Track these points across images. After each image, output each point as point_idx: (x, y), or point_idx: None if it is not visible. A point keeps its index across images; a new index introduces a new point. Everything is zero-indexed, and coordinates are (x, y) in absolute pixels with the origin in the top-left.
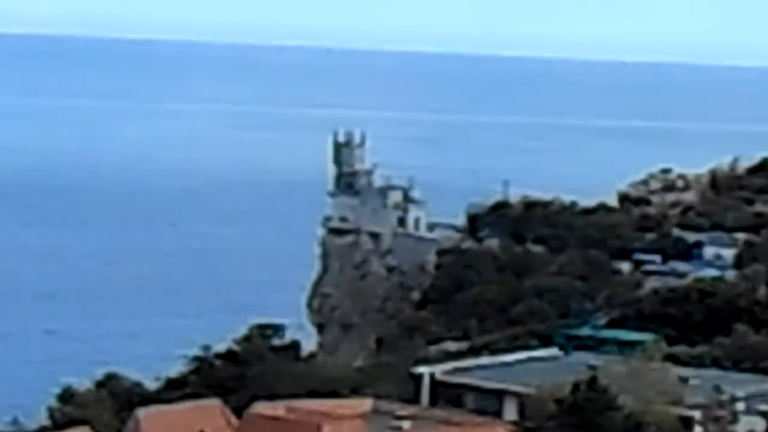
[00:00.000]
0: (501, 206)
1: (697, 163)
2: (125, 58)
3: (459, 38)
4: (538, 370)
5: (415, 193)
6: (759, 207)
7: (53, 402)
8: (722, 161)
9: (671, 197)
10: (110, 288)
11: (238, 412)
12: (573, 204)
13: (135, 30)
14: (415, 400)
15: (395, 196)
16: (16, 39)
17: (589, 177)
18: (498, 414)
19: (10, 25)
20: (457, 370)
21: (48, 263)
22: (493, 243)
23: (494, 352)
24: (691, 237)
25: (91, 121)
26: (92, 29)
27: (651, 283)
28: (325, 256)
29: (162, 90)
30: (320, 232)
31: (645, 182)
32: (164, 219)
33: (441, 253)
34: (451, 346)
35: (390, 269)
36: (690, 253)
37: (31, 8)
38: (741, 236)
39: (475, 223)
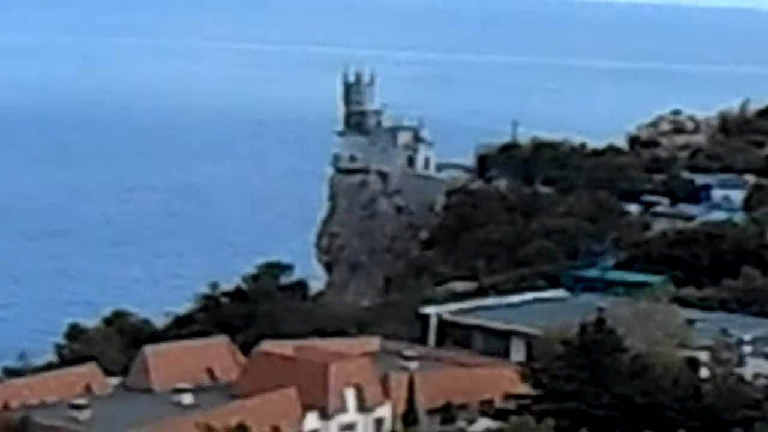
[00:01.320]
0: (510, 147)
1: (707, 106)
2: None
3: None
4: (545, 311)
5: (425, 133)
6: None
7: (60, 338)
8: (732, 104)
9: (680, 139)
10: (114, 227)
11: (246, 349)
12: (582, 145)
13: None
14: (422, 340)
15: (404, 136)
16: None
17: (599, 118)
18: (505, 355)
19: None
20: (464, 311)
21: (56, 197)
22: (501, 183)
23: (502, 292)
24: (700, 179)
25: (108, 58)
26: None
27: (659, 225)
28: (333, 196)
29: (177, 28)
30: (329, 171)
31: (654, 124)
32: (174, 155)
33: (449, 193)
34: (459, 286)
35: (398, 209)
36: (699, 195)
37: None
38: (750, 179)
39: (484, 163)
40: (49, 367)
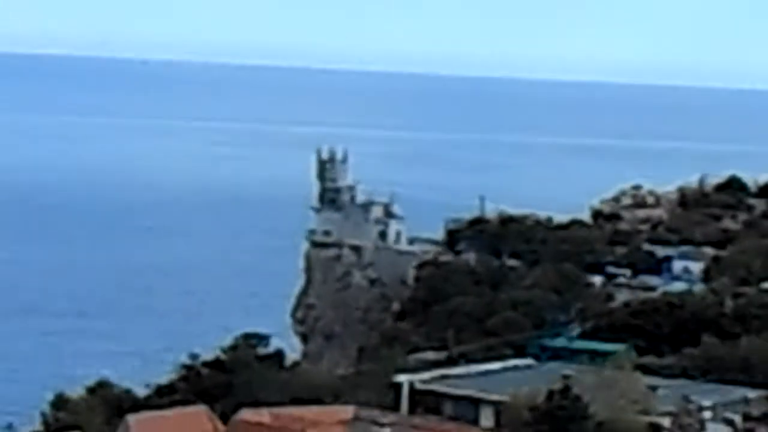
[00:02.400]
0: (478, 221)
1: (666, 181)
2: (118, 75)
3: (438, 60)
4: (513, 379)
5: (396, 208)
6: (726, 223)
7: (46, 408)
8: (690, 179)
9: (641, 213)
10: (90, 302)
11: (225, 418)
12: (547, 219)
13: (128, 49)
14: (395, 407)
15: (377, 211)
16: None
17: (563, 193)
18: (475, 421)
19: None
20: (435, 379)
21: (36, 274)
22: (470, 257)
23: (471, 361)
24: (661, 251)
25: (82, 137)
26: (86, 49)
27: (622, 296)
28: (308, 269)
29: (150, 107)
30: (304, 245)
31: (616, 199)
32: (149, 231)
33: (420, 266)
34: (430, 355)
35: (371, 281)
36: (659, 267)
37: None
38: (708, 251)
39: (453, 237)
40: None
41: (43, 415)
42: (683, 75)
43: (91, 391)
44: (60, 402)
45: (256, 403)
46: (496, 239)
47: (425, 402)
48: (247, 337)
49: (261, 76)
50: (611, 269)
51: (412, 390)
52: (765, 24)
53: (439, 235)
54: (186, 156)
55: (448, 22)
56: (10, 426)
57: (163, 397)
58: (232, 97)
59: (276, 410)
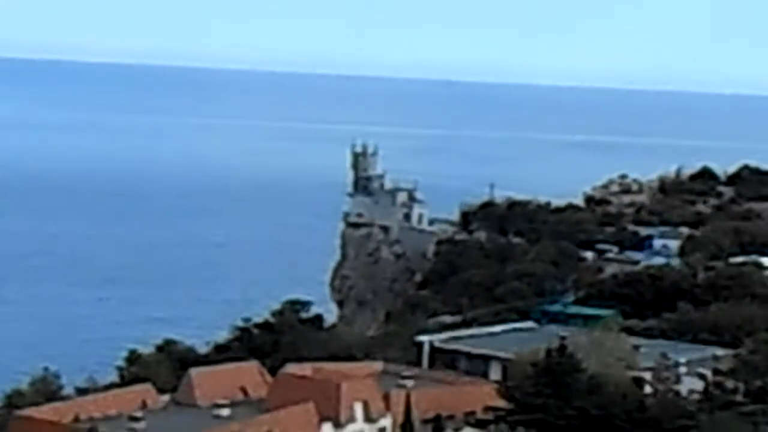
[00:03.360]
0: (488, 205)
1: (648, 171)
2: (193, 83)
3: (452, 67)
4: (517, 339)
5: (418, 194)
6: (699, 207)
7: (122, 363)
8: (669, 169)
9: (627, 198)
10: (162, 274)
11: (273, 371)
12: (547, 204)
13: (201, 60)
14: (417, 363)
15: (402, 196)
16: (101, 67)
17: (560, 182)
18: (485, 375)
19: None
20: (451, 339)
21: (115, 250)
22: (481, 235)
23: (482, 324)
24: (643, 231)
25: (152, 134)
26: (164, 59)
27: (610, 269)
28: (344, 245)
29: (220, 109)
30: (340, 225)
31: (605, 186)
32: (211, 214)
33: (439, 243)
34: (447, 319)
35: (397, 256)
36: (642, 244)
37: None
38: (684, 230)
39: (466, 218)
40: (112, 386)
41: (119, 369)
42: (665, 81)
43: (159, 348)
44: (133, 358)
45: (299, 359)
46: (503, 220)
47: (443, 359)
48: (292, 303)
49: (301, 81)
50: (601, 246)
51: (432, 348)
52: (727, 36)
53: (455, 216)
54: (241, 149)
55: (463, 33)
56: (91, 377)
57: (221, 354)
58: (286, 101)
59: (316, 365)
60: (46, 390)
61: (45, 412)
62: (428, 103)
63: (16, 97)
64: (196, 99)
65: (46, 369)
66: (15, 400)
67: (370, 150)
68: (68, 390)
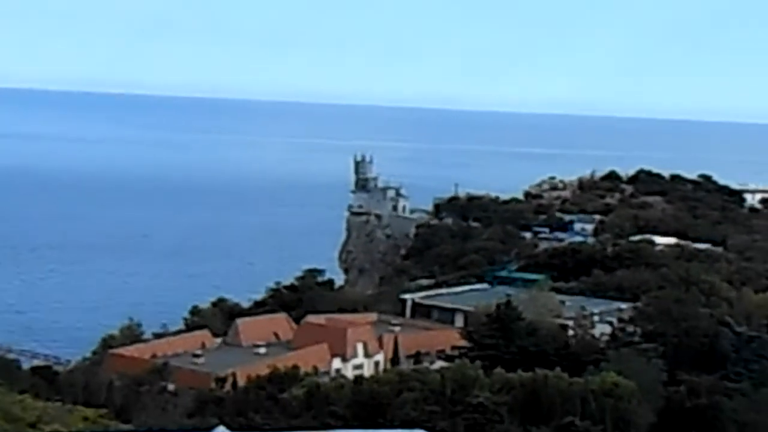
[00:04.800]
0: (454, 199)
1: (570, 174)
2: (234, 110)
3: (428, 98)
4: (475, 296)
5: (403, 191)
6: (607, 200)
7: (187, 315)
8: (586, 172)
9: (555, 194)
10: (220, 248)
11: (297, 321)
12: (497, 198)
13: (240, 92)
14: (402, 314)
15: (391, 193)
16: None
17: (506, 181)
18: (452, 323)
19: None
20: (427, 297)
21: (182, 231)
22: (449, 221)
23: (449, 285)
24: (567, 217)
25: (214, 148)
26: (210, 93)
27: (543, 245)
28: (348, 228)
29: (255, 130)
30: (345, 214)
31: (539, 185)
32: (250, 206)
33: (418, 226)
34: (424, 282)
35: (387, 236)
36: (566, 226)
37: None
38: (597, 217)
39: (438, 208)
40: (179, 332)
41: (184, 319)
42: (589, 108)
43: (214, 304)
44: (195, 311)
45: (316, 312)
46: (464, 210)
47: (421, 311)
48: (311, 271)
49: (311, 109)
50: (536, 228)
51: (413, 303)
52: (643, 70)
53: (430, 207)
54: (271, 158)
55: (439, 71)
56: (164, 325)
57: (259, 308)
58: (298, 123)
59: (328, 316)
60: (131, 334)
61: (130, 350)
62: (408, 125)
63: (115, 120)
64: (237, 122)
65: (131, 319)
66: (109, 341)
67: (367, 159)
68: (147, 335)
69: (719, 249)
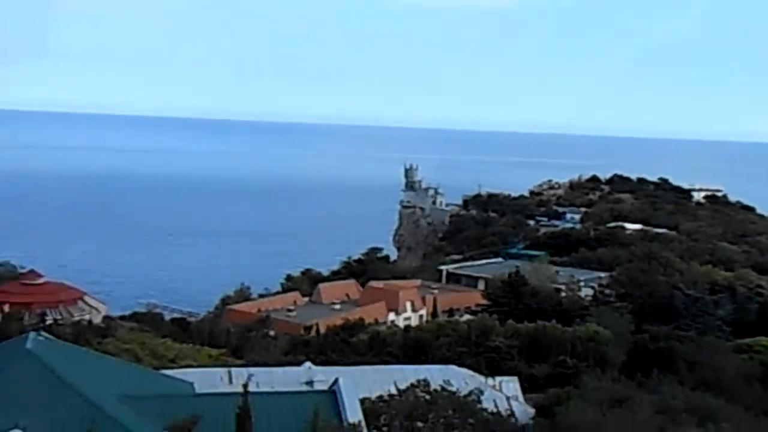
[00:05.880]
0: (477, 196)
1: (564, 177)
2: (328, 134)
3: (459, 121)
4: (493, 267)
5: (440, 190)
6: (590, 196)
7: (282, 280)
8: (574, 177)
9: (552, 192)
10: (311, 231)
11: (362, 285)
12: (509, 195)
13: (316, 118)
14: (439, 280)
15: (431, 191)
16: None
17: (517, 183)
18: (475, 287)
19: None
20: (457, 268)
21: (279, 220)
22: (473, 212)
23: (474, 259)
24: (561, 209)
25: (302, 160)
26: (304, 118)
27: (543, 230)
28: (400, 217)
29: (328, 147)
30: (398, 207)
31: (540, 185)
32: (323, 203)
33: (451, 216)
34: (455, 257)
35: (429, 223)
36: (560, 216)
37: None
38: (583, 209)
39: (466, 203)
40: (277, 293)
41: (281, 284)
42: (582, 128)
43: (302, 273)
44: (288, 278)
45: (376, 278)
46: (485, 204)
47: (453, 278)
48: (372, 249)
49: (365, 132)
50: (538, 217)
51: (447, 273)
52: (620, 95)
53: (459, 202)
54: (344, 168)
55: (462, 100)
56: (266, 288)
57: (335, 276)
58: (364, 142)
59: (385, 282)
60: (242, 295)
61: (242, 306)
62: (441, 142)
63: (223, 139)
64: (321, 141)
65: (242, 284)
66: (226, 300)
67: (414, 167)
68: (254, 295)
69: (673, 233)
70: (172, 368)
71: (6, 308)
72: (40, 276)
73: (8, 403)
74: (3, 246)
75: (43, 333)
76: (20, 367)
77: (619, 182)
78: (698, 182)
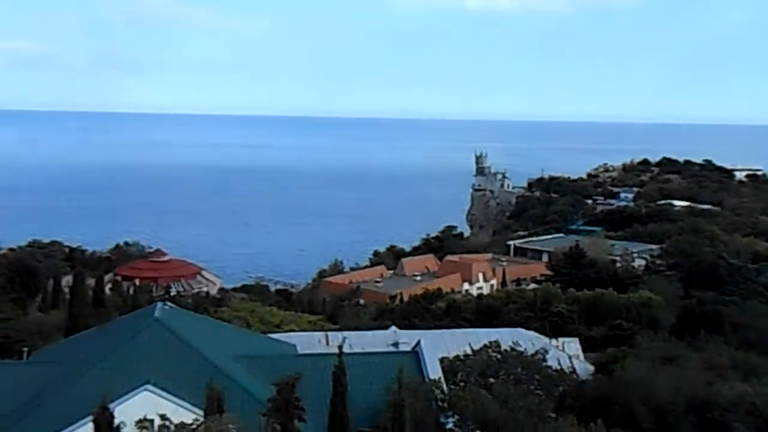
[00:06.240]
0: (541, 179)
1: (618, 160)
2: (411, 127)
3: (524, 113)
4: (555, 242)
5: (507, 174)
6: (642, 177)
7: (371, 256)
8: (627, 160)
9: (607, 174)
10: (395, 211)
11: (440, 259)
12: (569, 177)
13: (398, 113)
14: (508, 254)
15: (499, 176)
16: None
17: (576, 167)
18: (540, 259)
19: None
20: (524, 242)
21: (362, 204)
22: (537, 193)
23: (538, 235)
24: (616, 189)
25: (382, 150)
26: (377, 114)
27: (600, 207)
28: (472, 199)
29: (407, 139)
30: (470, 190)
31: (597, 168)
32: (406, 187)
33: (517, 197)
34: (521, 233)
35: (497, 204)
36: (615, 195)
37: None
38: (635, 189)
39: (530, 185)
40: (366, 267)
41: (369, 258)
42: (639, 116)
43: (387, 249)
44: (375, 253)
45: (452, 253)
46: (548, 185)
47: (519, 252)
48: (448, 227)
49: (450, 124)
50: (595, 197)
51: (515, 247)
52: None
53: (525, 184)
54: (425, 156)
55: (527, 96)
56: (357, 263)
57: (416, 251)
58: (441, 133)
59: (460, 255)
60: (336, 268)
61: (335, 278)
62: (508, 133)
63: (322, 135)
64: (405, 134)
65: (336, 259)
66: (322, 273)
67: (483, 154)
68: (346, 268)
69: (718, 208)
70: (277, 332)
71: (137, 282)
72: (164, 254)
73: (141, 364)
74: (134, 228)
75: (169, 303)
76: (150, 333)
77: (667, 164)
78: (740, 163)
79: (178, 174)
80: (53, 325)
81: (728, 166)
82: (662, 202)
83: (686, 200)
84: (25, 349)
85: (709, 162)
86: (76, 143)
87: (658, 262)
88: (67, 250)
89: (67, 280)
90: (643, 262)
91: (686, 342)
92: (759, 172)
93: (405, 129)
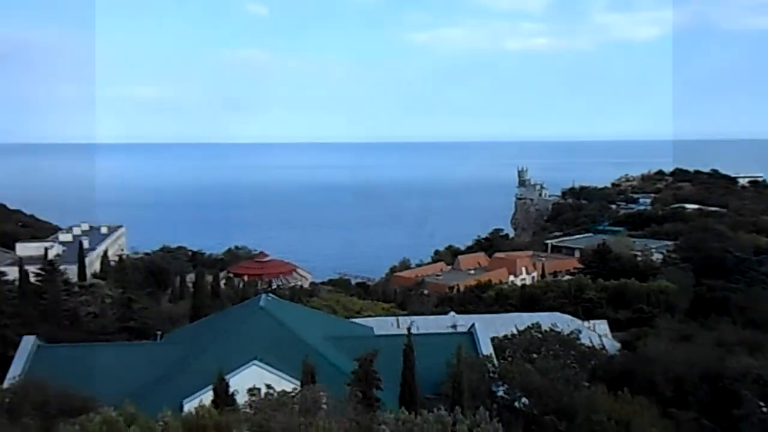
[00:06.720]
0: (572, 188)
1: (637, 172)
2: (461, 149)
3: (558, 134)
4: (585, 240)
5: (545, 184)
6: (658, 185)
7: (432, 254)
8: (645, 171)
9: (628, 183)
10: (451, 217)
11: (489, 255)
12: (596, 186)
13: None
14: (546, 251)
15: (538, 186)
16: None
17: (603, 177)
18: (573, 255)
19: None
20: (559, 241)
21: (426, 211)
22: (570, 200)
23: (571, 235)
24: (636, 196)
25: (433, 167)
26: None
27: (622, 211)
28: (516, 206)
29: (459, 157)
30: (513, 199)
31: (619, 179)
32: (461, 197)
33: (553, 204)
34: (557, 233)
35: (537, 210)
36: (636, 200)
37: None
38: (652, 195)
39: (564, 194)
40: (429, 263)
41: (431, 256)
42: (649, 135)
43: (446, 248)
44: (436, 252)
45: (499, 251)
46: (579, 193)
47: (556, 249)
48: (496, 229)
49: (492, 146)
50: (618, 202)
51: (552, 245)
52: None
53: (559, 193)
54: (472, 172)
55: (562, 118)
56: (421, 260)
57: (469, 250)
58: (486, 152)
59: (506, 253)
60: (404, 265)
61: (404, 273)
62: (545, 151)
63: (382, 156)
64: (455, 154)
65: (404, 257)
66: (393, 269)
67: (524, 169)
68: (412, 264)
69: (724, 210)
70: (357, 317)
71: (246, 278)
72: (267, 255)
73: (249, 344)
74: (243, 235)
75: (271, 294)
76: (256, 319)
77: (679, 174)
78: (742, 171)
79: (275, 190)
80: (180, 313)
81: (732, 174)
82: (676, 205)
83: (696, 204)
84: (159, 332)
85: (715, 171)
86: (194, 169)
87: (673, 256)
88: (190, 253)
89: (190, 277)
90: (661, 256)
91: (699, 323)
92: (759, 179)
93: (457, 150)
